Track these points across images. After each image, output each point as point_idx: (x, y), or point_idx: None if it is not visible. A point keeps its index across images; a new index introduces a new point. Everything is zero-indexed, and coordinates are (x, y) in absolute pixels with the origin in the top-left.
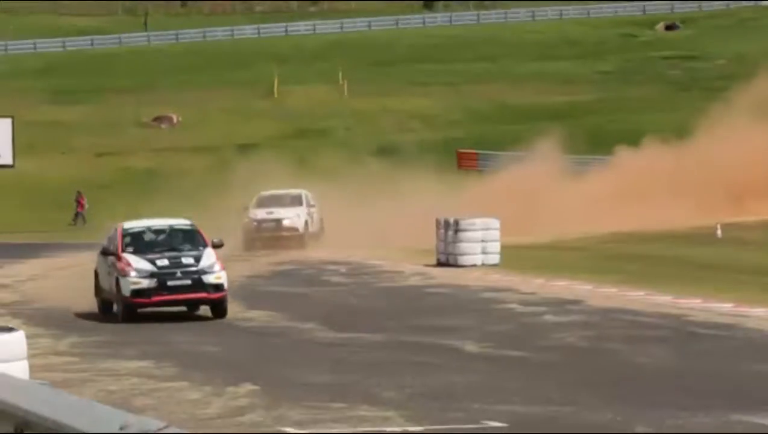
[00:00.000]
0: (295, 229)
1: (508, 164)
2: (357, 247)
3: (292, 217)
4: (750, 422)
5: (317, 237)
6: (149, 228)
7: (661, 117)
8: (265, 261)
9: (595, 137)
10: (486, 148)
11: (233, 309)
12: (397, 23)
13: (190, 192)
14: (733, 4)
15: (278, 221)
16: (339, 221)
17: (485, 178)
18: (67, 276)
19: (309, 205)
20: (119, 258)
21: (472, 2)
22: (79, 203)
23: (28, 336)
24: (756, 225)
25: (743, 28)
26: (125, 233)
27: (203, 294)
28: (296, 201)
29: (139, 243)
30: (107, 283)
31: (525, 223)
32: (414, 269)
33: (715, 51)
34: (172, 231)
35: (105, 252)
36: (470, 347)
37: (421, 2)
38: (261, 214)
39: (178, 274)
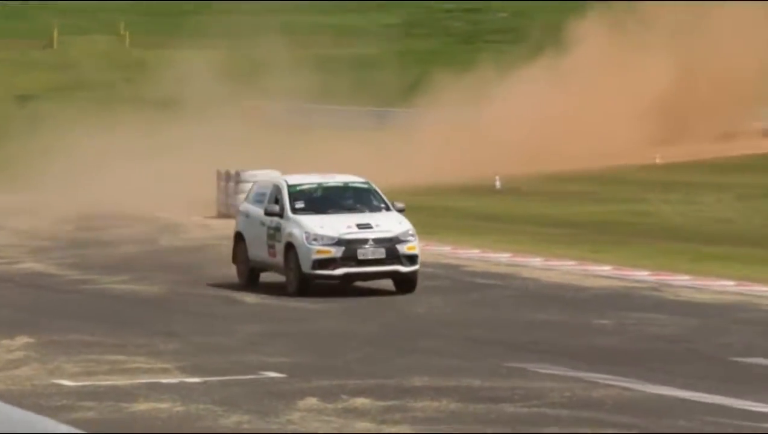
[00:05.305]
0: None
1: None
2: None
3: None
4: (522, 368)
5: None
6: None
7: (444, 70)
8: (48, 216)
9: (379, 90)
10: (270, 100)
11: (4, 261)
12: None
13: None
14: None
15: None
16: (122, 175)
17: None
18: None
19: None
20: None
21: None
22: None
23: None
24: (533, 177)
25: None
26: None
27: None
28: None
29: None
30: None
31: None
32: (195, 221)
33: (497, 4)
34: None
35: None
36: (250, 298)
37: None
38: None
39: None
